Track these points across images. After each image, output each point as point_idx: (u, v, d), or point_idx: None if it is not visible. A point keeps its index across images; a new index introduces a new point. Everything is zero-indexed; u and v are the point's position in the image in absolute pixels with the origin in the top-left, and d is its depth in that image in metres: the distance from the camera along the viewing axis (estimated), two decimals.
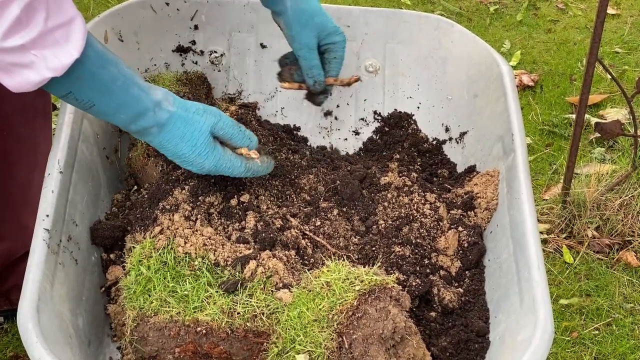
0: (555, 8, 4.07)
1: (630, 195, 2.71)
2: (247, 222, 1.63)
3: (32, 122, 2.05)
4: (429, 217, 1.79)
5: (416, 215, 1.79)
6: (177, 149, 1.53)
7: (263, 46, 2.13)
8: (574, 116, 2.60)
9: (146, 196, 1.73)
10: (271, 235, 1.62)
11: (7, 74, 1.33)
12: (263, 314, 1.47)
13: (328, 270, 1.49)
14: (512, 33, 3.86)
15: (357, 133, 2.15)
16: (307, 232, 1.70)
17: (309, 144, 2.13)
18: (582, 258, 2.63)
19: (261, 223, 1.64)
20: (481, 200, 1.79)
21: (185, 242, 1.55)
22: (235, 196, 1.68)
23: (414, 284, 1.65)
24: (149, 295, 1.49)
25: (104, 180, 1.81)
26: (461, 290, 1.68)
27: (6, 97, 1.95)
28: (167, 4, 2.06)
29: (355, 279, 1.46)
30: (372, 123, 2.15)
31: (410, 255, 1.72)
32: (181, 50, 2.12)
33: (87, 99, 1.45)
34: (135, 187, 1.85)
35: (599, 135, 2.73)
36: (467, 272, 1.72)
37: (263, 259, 1.54)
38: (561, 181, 2.72)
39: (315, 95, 1.89)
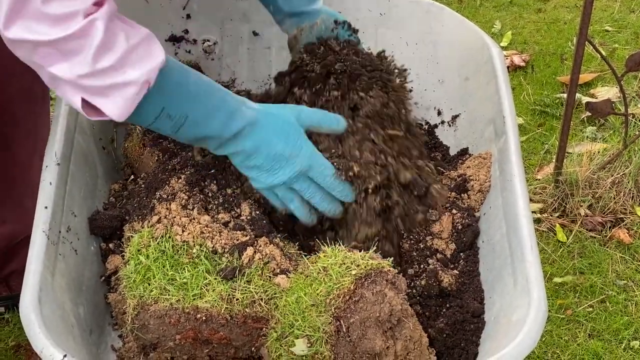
0: None
1: (621, 174, 2.73)
2: (243, 210, 1.65)
3: (32, 106, 2.07)
4: None
5: None
6: (272, 147, 1.53)
7: (255, 34, 2.14)
8: (565, 95, 2.62)
9: (143, 186, 1.75)
10: (266, 221, 1.64)
11: (104, 97, 1.37)
12: (261, 299, 1.50)
13: (324, 256, 1.51)
14: (502, 13, 3.87)
15: None
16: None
17: None
18: (575, 236, 2.66)
19: (257, 212, 1.66)
20: (474, 182, 1.81)
21: (183, 231, 1.56)
22: (232, 183, 1.70)
23: None
24: (149, 284, 1.51)
25: (100, 170, 1.83)
26: (457, 272, 1.70)
27: (7, 81, 1.97)
28: None
29: (352, 264, 1.48)
30: None
31: None
32: (174, 39, 2.13)
33: (180, 112, 1.47)
34: (132, 177, 1.87)
35: (590, 114, 2.75)
36: (461, 254, 1.74)
37: (260, 246, 1.55)
38: (553, 160, 2.74)
39: None
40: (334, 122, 1.65)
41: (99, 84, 1.35)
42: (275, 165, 1.55)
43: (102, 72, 1.34)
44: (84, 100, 1.37)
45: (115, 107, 1.38)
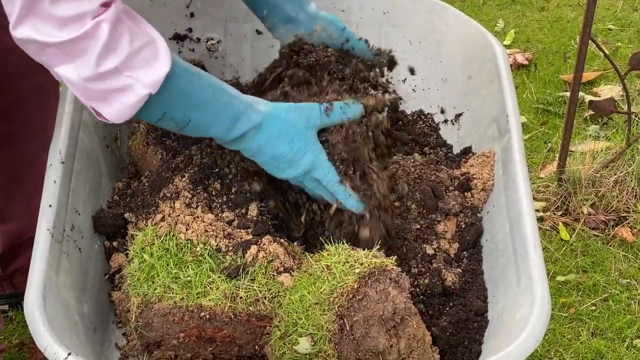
0: None
1: (624, 172, 2.74)
2: (250, 211, 1.65)
3: (43, 103, 2.08)
4: None
5: None
6: (275, 149, 1.54)
7: (259, 32, 2.14)
8: (568, 94, 2.62)
9: (147, 184, 1.75)
10: (271, 223, 1.64)
11: (105, 102, 1.38)
12: (265, 298, 1.50)
13: (328, 254, 1.51)
14: (505, 12, 3.87)
15: None
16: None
17: None
18: (578, 235, 2.66)
19: (264, 216, 1.66)
20: (477, 181, 1.81)
21: (187, 229, 1.57)
22: (235, 183, 1.70)
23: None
24: (153, 282, 1.51)
25: (104, 168, 1.83)
26: (460, 271, 1.70)
27: (20, 79, 1.98)
28: None
29: (355, 262, 1.48)
30: None
31: None
32: (178, 38, 2.13)
33: (182, 117, 1.47)
34: (136, 175, 1.87)
35: (593, 112, 2.75)
36: (465, 252, 1.74)
37: (264, 244, 1.56)
38: (556, 159, 2.74)
39: None
40: (349, 112, 1.62)
41: (102, 87, 1.35)
42: (281, 165, 1.56)
43: (105, 75, 1.34)
44: None
45: (114, 112, 1.39)
